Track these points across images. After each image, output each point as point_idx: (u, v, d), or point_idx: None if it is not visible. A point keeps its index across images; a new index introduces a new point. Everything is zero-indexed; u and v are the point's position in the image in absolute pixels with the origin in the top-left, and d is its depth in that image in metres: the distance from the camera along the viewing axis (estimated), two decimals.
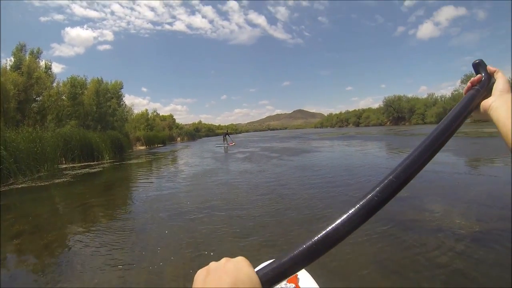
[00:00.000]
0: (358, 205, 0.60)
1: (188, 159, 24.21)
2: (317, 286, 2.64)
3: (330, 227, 0.57)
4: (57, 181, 13.05)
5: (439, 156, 10.57)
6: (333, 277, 4.44)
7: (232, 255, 0.57)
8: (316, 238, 0.56)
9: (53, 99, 25.58)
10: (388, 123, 78.39)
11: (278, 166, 16.69)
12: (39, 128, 20.82)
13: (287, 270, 0.55)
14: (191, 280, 0.53)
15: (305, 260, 0.55)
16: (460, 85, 60.54)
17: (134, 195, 10.71)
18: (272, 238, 6.06)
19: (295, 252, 0.55)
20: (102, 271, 4.87)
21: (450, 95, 61.19)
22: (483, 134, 28.59)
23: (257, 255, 5.13)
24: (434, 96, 65.86)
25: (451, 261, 4.71)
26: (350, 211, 0.59)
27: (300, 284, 2.54)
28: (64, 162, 19.98)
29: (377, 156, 19.12)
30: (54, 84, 27.42)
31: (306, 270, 2.96)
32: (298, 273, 2.59)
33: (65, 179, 13.56)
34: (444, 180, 10.51)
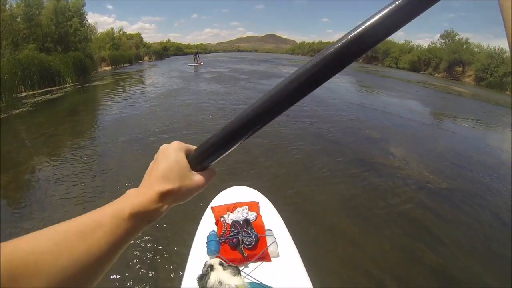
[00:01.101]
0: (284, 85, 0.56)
1: (155, 79, 23.23)
2: (277, 213, 2.92)
3: (250, 107, 0.59)
4: (16, 111, 11.79)
5: (413, 104, 10.72)
6: (299, 214, 4.43)
7: None
8: (238, 118, 0.58)
9: (7, 23, 22.65)
10: (361, 60, 78.15)
11: (246, 89, 16.43)
12: None
13: (210, 150, 0.59)
14: None
15: (226, 140, 0.59)
16: (438, 40, 60.31)
17: (98, 119, 10.15)
18: (237, 166, 6.09)
19: (217, 133, 0.59)
20: (66, 199, 4.84)
21: (426, 46, 61.26)
22: (453, 91, 28.92)
23: (222, 182, 4.97)
24: (410, 44, 65.52)
25: (412, 211, 4.91)
26: (274, 90, 0.57)
27: (261, 212, 2.81)
28: (23, 90, 18.14)
29: (349, 91, 19.15)
30: (7, 6, 24.17)
31: (269, 200, 3.11)
32: (259, 202, 2.93)
33: (25, 109, 12.27)
34: (414, 129, 10.71)
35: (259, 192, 3.25)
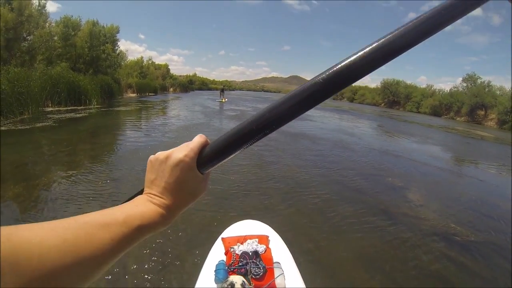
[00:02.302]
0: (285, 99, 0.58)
1: (177, 111, 23.71)
2: (286, 247, 2.92)
3: (256, 116, 0.61)
4: (39, 124, 12.22)
5: (435, 150, 10.55)
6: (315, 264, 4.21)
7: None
8: (243, 125, 0.61)
9: (44, 39, 23.93)
10: (382, 104, 78.29)
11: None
12: (28, 68, 19.42)
13: (216, 154, 0.61)
14: None
15: (232, 144, 0.61)
16: (460, 83, 60.15)
17: (117, 145, 10.33)
18: (248, 207, 5.86)
19: (224, 136, 0.62)
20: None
21: (448, 90, 61.12)
22: (476, 135, 28.36)
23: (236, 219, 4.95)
24: (432, 88, 65.44)
25: (437, 267, 4.63)
26: (274, 105, 0.59)
27: (270, 245, 2.81)
28: (50, 105, 18.90)
29: (371, 136, 18.97)
30: (47, 24, 25.68)
31: (278, 235, 3.14)
32: (269, 236, 2.94)
33: (48, 123, 12.72)
34: (438, 176, 10.46)
35: (269, 226, 3.29)
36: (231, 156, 0.63)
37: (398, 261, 4.71)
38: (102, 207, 5.22)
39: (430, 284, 4.23)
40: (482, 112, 49.46)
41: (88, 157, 8.41)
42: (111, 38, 34.79)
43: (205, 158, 0.62)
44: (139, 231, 0.52)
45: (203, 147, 0.62)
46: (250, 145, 0.63)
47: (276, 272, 2.49)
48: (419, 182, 9.20)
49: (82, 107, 20.28)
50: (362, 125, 24.75)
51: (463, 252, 5.21)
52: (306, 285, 2.52)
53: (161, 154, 0.61)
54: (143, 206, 0.55)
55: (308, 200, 6.59)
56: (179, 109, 25.98)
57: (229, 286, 1.91)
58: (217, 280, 2.38)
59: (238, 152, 0.63)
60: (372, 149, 13.94)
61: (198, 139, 0.62)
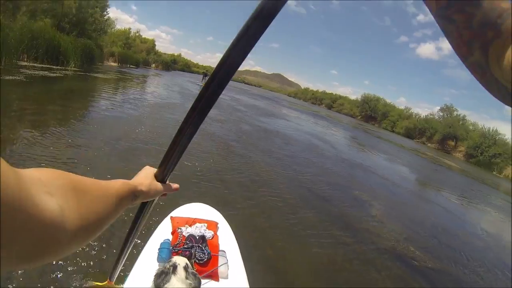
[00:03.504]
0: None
1: (156, 88, 23.16)
2: (234, 237, 2.95)
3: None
4: (10, 77, 11.23)
5: (404, 171, 10.62)
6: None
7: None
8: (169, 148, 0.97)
9: None
10: (359, 117, 79.57)
11: (241, 122, 16.02)
12: (9, 18, 18.27)
13: (162, 170, 1.01)
14: None
15: (168, 160, 0.99)
16: (437, 112, 62.04)
17: (88, 112, 9.64)
18: (205, 194, 5.64)
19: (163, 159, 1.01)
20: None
21: (424, 116, 62.78)
22: (444, 164, 29.11)
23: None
24: (410, 111, 67.24)
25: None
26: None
27: (218, 232, 2.83)
28: (25, 59, 17.67)
29: (345, 146, 19.09)
30: None
31: (228, 224, 3.12)
32: (219, 223, 2.99)
33: (19, 78, 11.72)
34: (404, 197, 10.60)
35: (220, 214, 3.27)
36: (174, 165, 1.01)
37: (348, 274, 4.55)
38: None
39: None
40: (453, 143, 51.07)
41: (55, 119, 7.76)
42: (101, 2, 33.44)
43: (159, 176, 1.01)
44: (122, 202, 0.76)
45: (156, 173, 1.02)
46: (181, 153, 0.98)
47: (220, 260, 2.48)
48: (385, 200, 9.18)
49: (58, 67, 19.05)
50: (336, 133, 24.91)
51: (418, 277, 5.11)
52: (248, 279, 2.54)
53: (151, 171, 1.02)
54: (128, 185, 0.83)
55: (270, 199, 6.30)
56: (157, 86, 25.36)
57: (171, 267, 1.81)
58: (159, 259, 2.37)
59: (176, 161, 1.00)
60: (343, 159, 13.92)
61: (151, 171, 1.02)
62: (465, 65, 0.55)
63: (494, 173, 40.64)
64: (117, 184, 0.76)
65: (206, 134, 10.27)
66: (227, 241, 2.86)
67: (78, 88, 14.27)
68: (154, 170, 1.02)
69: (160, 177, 1.01)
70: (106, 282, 2.30)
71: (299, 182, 8.17)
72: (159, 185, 1.00)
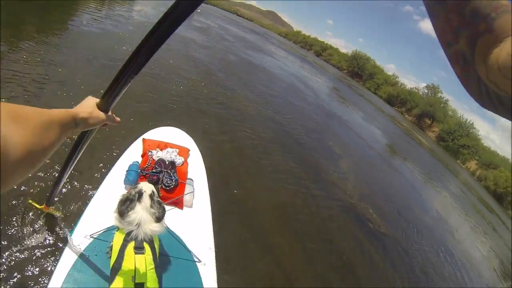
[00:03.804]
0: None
1: (143, 6, 21.26)
2: (203, 167, 3.03)
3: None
4: None
5: (378, 134, 10.74)
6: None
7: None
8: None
9: None
10: (345, 71, 79.18)
11: (227, 52, 15.35)
12: None
13: (108, 95, 1.06)
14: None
15: (123, 78, 1.03)
16: (422, 89, 62.80)
17: (68, 24, 8.38)
18: (181, 119, 5.65)
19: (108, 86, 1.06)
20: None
21: (409, 88, 63.30)
22: (416, 138, 29.92)
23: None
24: (396, 79, 67.46)
25: (341, 239, 4.76)
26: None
27: (188, 160, 2.89)
28: None
29: (326, 96, 19.04)
30: None
31: (200, 152, 3.21)
32: (190, 150, 3.04)
33: None
34: (373, 159, 10.88)
35: (193, 141, 3.30)
36: (117, 96, 1.08)
37: (305, 221, 4.69)
38: (23, 91, 4.35)
39: (321, 245, 4.36)
40: (429, 122, 52.36)
41: (31, 31, 6.83)
42: None
43: (102, 106, 1.06)
44: (63, 128, 0.78)
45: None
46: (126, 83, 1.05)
47: (187, 188, 2.55)
48: (356, 158, 9.43)
49: None
50: (321, 81, 24.83)
51: (371, 238, 5.36)
52: (212, 211, 2.62)
53: (94, 101, 1.06)
54: (70, 113, 0.86)
55: (245, 136, 6.24)
56: (145, 3, 23.50)
57: (137, 194, 1.80)
58: (126, 182, 2.42)
59: (120, 92, 1.07)
60: (323, 108, 13.96)
61: (93, 101, 1.06)
62: (446, 52, 0.53)
63: (458, 161, 42.62)
64: (59, 112, 0.79)
65: (189, 59, 9.86)
66: (197, 169, 2.91)
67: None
68: (96, 100, 1.06)
69: (103, 107, 1.06)
70: (42, 206, 2.41)
71: (277, 123, 8.12)
72: (101, 114, 1.04)
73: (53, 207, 2.50)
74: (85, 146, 1.46)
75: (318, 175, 6.36)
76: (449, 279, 6.08)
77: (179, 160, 2.74)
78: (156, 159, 2.64)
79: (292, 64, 26.85)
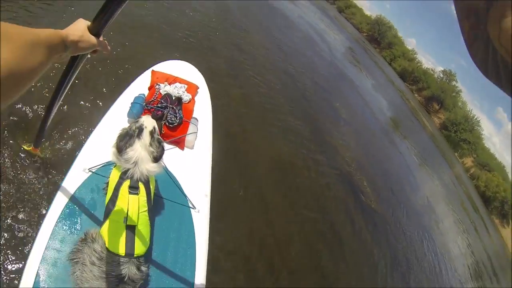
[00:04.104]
0: None
1: None
2: (210, 107, 2.94)
3: None
4: None
5: (385, 105, 10.58)
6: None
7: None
8: None
9: None
10: (365, 34, 77.72)
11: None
12: None
13: (100, 17, 1.00)
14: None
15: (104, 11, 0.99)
16: (437, 72, 62.22)
17: None
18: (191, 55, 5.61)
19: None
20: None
21: (424, 68, 62.56)
22: (420, 119, 29.95)
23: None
24: (415, 55, 66.51)
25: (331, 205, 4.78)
26: None
27: (196, 98, 2.81)
28: None
29: (340, 53, 18.79)
30: None
31: (209, 92, 3.08)
32: (200, 88, 2.94)
33: None
34: (377, 131, 10.94)
35: (203, 79, 3.15)
36: (110, 19, 1.02)
37: (303, 181, 4.64)
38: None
39: (314, 212, 4.31)
40: (437, 107, 52.16)
41: None
42: None
43: (93, 30, 1.01)
44: (55, 54, 0.79)
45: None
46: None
47: (191, 128, 2.50)
48: (360, 125, 9.34)
49: None
50: (338, 38, 24.18)
51: (360, 211, 5.31)
52: (211, 156, 2.57)
53: (85, 24, 1.00)
54: (59, 35, 0.82)
55: (254, 82, 5.97)
56: None
57: (137, 130, 1.75)
58: (129, 114, 2.35)
59: (113, 14, 1.02)
60: (336, 67, 13.64)
61: (84, 24, 0.99)
62: (457, 4, 0.49)
63: (456, 154, 42.92)
64: (47, 32, 0.75)
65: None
66: (203, 109, 2.82)
67: None
68: (88, 23, 1.01)
69: (94, 31, 1.00)
70: (30, 148, 2.30)
71: (288, 74, 7.80)
72: (92, 38, 0.99)
73: (45, 147, 2.42)
74: (74, 77, 1.35)
75: (320, 137, 6.23)
76: (427, 269, 6.17)
77: (186, 96, 2.65)
78: (163, 93, 2.55)
79: (313, 14, 25.91)
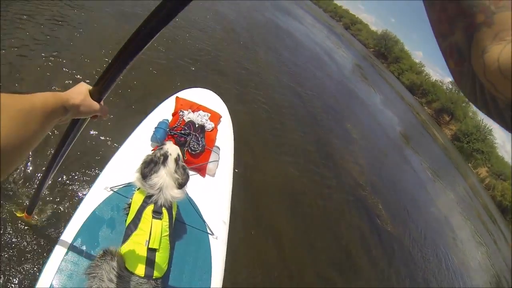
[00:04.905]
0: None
1: None
2: (232, 136, 3.01)
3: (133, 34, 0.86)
4: None
5: (395, 121, 10.55)
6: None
7: None
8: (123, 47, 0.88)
9: None
10: (371, 49, 77.89)
11: (254, 11, 13.92)
12: None
13: (102, 82, 0.97)
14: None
15: (118, 66, 0.92)
16: (446, 84, 61.64)
17: None
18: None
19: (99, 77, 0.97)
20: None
21: (433, 80, 62.29)
22: (431, 132, 29.77)
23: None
24: (422, 68, 66.37)
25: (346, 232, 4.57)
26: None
27: (219, 127, 2.86)
28: None
29: (348, 71, 18.67)
30: None
31: (231, 121, 3.18)
32: (223, 117, 2.99)
33: None
34: (388, 149, 10.75)
35: (226, 109, 3.23)
36: (112, 85, 0.98)
37: (315, 207, 4.52)
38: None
39: (327, 238, 4.21)
40: (447, 118, 51.68)
41: None
42: None
43: (95, 95, 0.97)
44: (54, 118, 0.76)
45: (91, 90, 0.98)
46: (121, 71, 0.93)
47: (213, 156, 2.53)
48: (372, 145, 9.20)
49: None
50: (345, 56, 24.26)
51: (376, 236, 5.16)
52: (232, 184, 2.60)
53: (86, 88, 0.96)
54: (58, 98, 0.79)
55: (262, 107, 5.87)
56: None
57: (162, 157, 1.78)
58: (153, 138, 2.42)
59: (115, 81, 0.97)
60: (345, 85, 13.60)
61: (85, 88, 0.95)
62: (441, 46, 0.51)
63: (469, 165, 42.23)
64: (44, 96, 0.72)
65: (215, 14, 9.01)
66: (225, 138, 2.87)
67: None
68: (89, 87, 0.98)
69: (96, 96, 0.97)
70: (23, 215, 2.20)
71: (297, 95, 7.78)
72: (94, 103, 0.96)
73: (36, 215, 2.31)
74: (74, 141, 1.29)
75: (333, 161, 6.11)
76: None
77: (209, 125, 2.72)
78: (186, 120, 2.62)
79: (319, 33, 26.10)
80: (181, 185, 1.78)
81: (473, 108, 56.25)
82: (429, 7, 0.49)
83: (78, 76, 3.48)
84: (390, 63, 67.50)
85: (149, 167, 1.73)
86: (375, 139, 9.99)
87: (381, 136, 11.06)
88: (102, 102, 1.01)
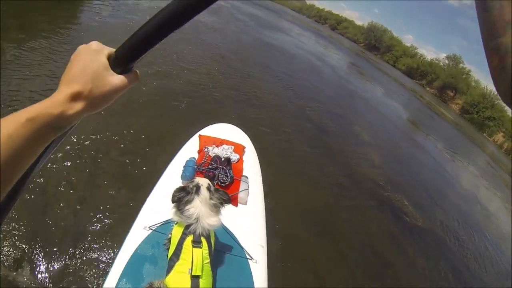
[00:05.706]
0: None
1: None
2: (258, 164, 3.05)
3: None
4: None
5: (401, 111, 10.42)
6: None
7: None
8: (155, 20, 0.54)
9: None
10: (362, 44, 77.86)
11: (241, 33, 14.21)
12: None
13: (132, 48, 0.56)
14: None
15: (153, 34, 0.55)
16: (442, 59, 61.22)
17: (78, 17, 7.67)
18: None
19: (137, 31, 0.55)
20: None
21: (429, 59, 61.96)
22: (438, 111, 29.36)
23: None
24: (415, 50, 66.18)
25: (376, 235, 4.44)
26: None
27: (244, 157, 2.95)
28: None
29: (344, 71, 18.72)
30: None
31: (255, 149, 3.22)
32: (246, 147, 3.06)
33: None
34: (401, 141, 10.66)
35: (248, 138, 3.31)
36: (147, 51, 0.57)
37: (341, 221, 4.45)
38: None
39: (360, 250, 4.12)
40: (451, 94, 51.25)
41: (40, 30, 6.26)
42: None
43: (122, 59, 0.57)
44: (30, 127, 0.45)
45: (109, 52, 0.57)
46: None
47: (242, 185, 2.59)
48: (384, 142, 9.13)
49: None
50: (338, 57, 24.30)
51: (408, 234, 5.07)
52: (265, 209, 2.64)
53: (102, 59, 0.55)
54: (40, 103, 0.48)
55: (266, 131, 5.76)
56: None
57: (195, 187, 1.82)
58: (183, 177, 2.49)
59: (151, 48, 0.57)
60: (344, 87, 13.58)
61: (100, 59, 0.54)
62: (487, 44, 0.47)
63: (484, 134, 41.53)
64: (35, 109, 0.46)
65: (203, 45, 9.19)
66: (252, 166, 2.93)
67: None
68: (105, 53, 0.56)
69: (124, 61, 0.57)
70: None
71: (299, 110, 7.75)
72: (116, 79, 0.55)
73: None
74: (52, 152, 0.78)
75: (348, 168, 6.01)
76: (494, 271, 5.76)
77: (234, 157, 2.82)
78: (212, 155, 2.71)
79: (308, 40, 26.17)
80: (225, 201, 1.85)
81: (475, 76, 55.54)
82: (486, 11, 0.46)
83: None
84: (383, 53, 67.41)
85: (180, 193, 1.79)
86: (386, 135, 9.90)
87: (391, 129, 10.98)
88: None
